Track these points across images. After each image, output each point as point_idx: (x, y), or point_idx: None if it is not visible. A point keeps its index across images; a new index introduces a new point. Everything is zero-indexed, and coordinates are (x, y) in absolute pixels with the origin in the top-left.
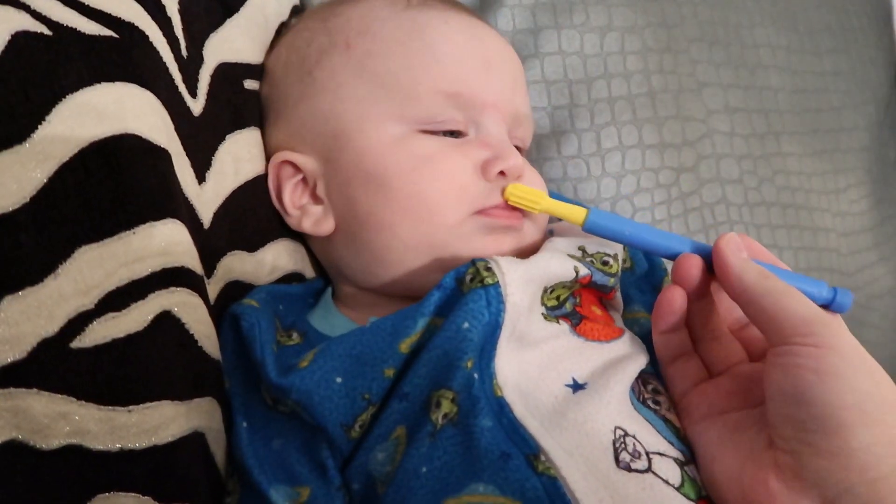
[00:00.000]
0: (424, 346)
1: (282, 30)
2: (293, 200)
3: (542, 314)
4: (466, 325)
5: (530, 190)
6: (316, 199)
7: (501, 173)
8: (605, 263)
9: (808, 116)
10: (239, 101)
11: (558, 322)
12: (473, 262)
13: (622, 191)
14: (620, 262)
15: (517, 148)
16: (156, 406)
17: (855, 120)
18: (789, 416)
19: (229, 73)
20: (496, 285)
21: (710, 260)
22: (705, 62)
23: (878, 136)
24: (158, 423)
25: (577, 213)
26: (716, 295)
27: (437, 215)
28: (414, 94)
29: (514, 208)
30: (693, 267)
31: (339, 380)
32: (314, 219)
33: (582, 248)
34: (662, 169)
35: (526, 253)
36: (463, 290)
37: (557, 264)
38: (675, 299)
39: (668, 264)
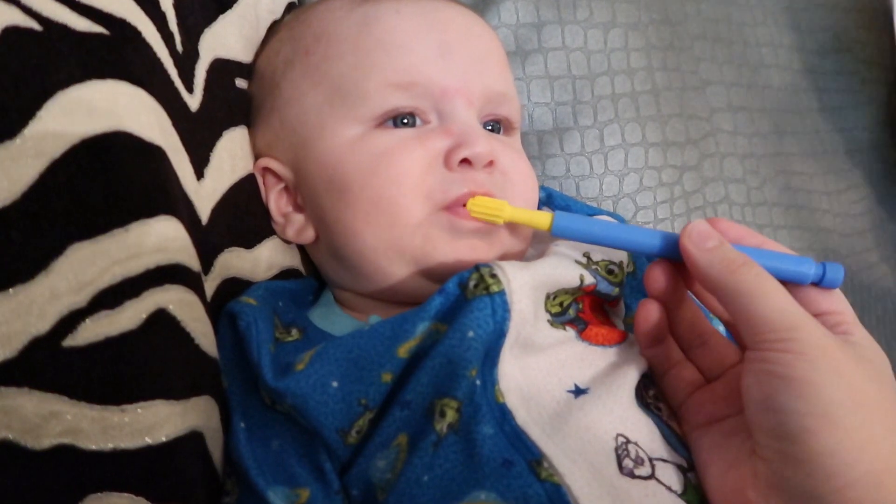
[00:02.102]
0: (427, 354)
1: (270, 30)
2: (278, 208)
3: (548, 320)
4: (472, 333)
5: (491, 201)
6: (297, 207)
7: (466, 161)
8: (611, 272)
9: (810, 116)
10: (232, 97)
11: (564, 328)
12: (477, 267)
13: (625, 189)
14: (625, 269)
15: (504, 127)
16: (150, 405)
17: (856, 120)
18: (761, 424)
19: (223, 69)
20: (502, 293)
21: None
22: (708, 60)
23: (880, 136)
24: (153, 422)
25: (542, 220)
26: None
27: (399, 215)
28: (364, 92)
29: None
30: (660, 278)
31: (335, 384)
32: (297, 227)
33: (587, 255)
34: (665, 167)
35: (516, 257)
36: (467, 296)
37: (563, 271)
38: (650, 315)
39: None
